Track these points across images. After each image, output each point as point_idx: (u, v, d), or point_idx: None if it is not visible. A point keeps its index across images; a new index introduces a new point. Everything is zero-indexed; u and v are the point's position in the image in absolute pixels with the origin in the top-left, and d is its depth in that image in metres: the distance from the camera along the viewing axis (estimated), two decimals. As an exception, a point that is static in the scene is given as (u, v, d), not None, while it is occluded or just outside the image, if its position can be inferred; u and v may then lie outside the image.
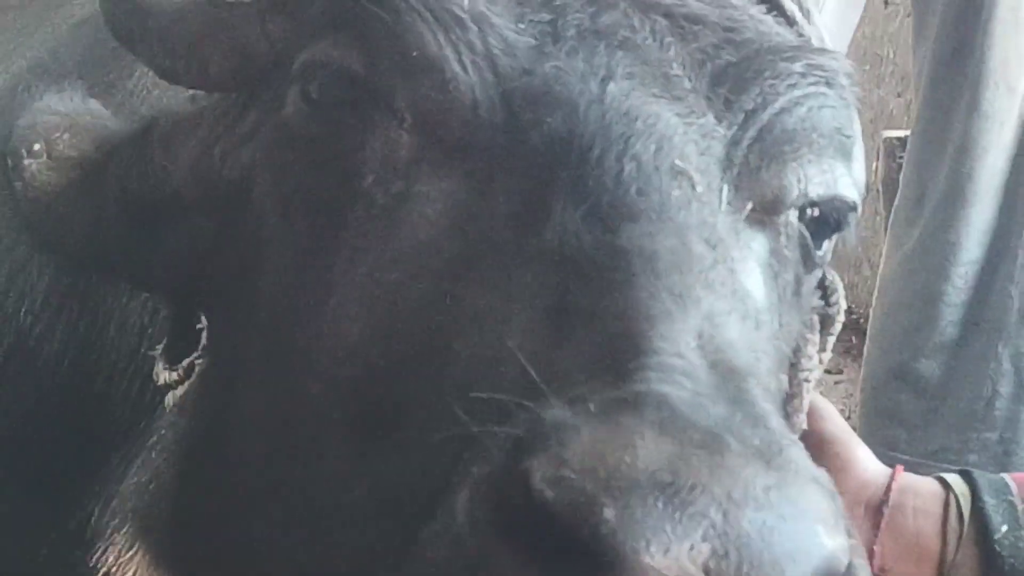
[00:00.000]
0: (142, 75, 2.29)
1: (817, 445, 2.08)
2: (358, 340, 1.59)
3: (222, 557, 1.75)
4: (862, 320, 5.33)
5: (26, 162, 1.96)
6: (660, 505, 1.17)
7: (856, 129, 1.86)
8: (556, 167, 1.55)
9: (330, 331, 1.62)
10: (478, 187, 1.60)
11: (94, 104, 2.05)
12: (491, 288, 1.49)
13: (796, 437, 1.85)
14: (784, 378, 1.89)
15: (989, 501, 2.09)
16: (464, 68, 1.62)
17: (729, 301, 1.52)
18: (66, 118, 2.01)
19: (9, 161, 1.97)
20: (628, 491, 1.17)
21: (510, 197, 1.56)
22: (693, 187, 1.58)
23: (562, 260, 1.47)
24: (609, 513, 1.15)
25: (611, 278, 1.44)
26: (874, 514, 2.14)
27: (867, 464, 2.21)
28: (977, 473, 2.18)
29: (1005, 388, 4.29)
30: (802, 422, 1.95)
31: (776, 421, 1.40)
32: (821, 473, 1.33)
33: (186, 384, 1.88)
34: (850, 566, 1.27)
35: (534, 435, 1.24)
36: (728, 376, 1.39)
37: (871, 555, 2.11)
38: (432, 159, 1.63)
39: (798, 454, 1.32)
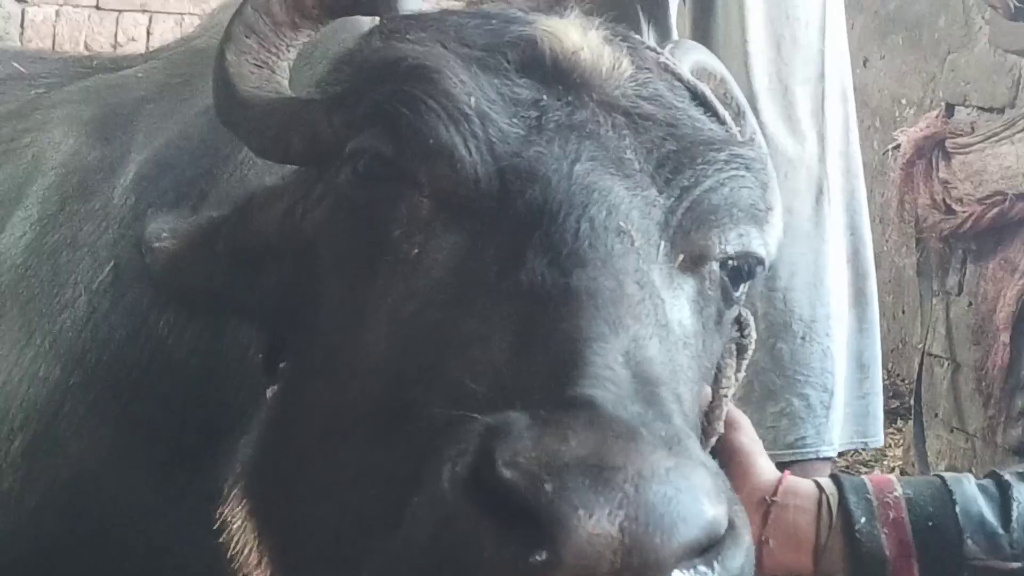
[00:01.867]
0: (244, 158, 2.58)
1: (728, 452, 2.41)
2: (384, 356, 1.83)
3: (287, 511, 1.98)
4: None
5: (156, 245, 2.29)
6: (587, 482, 1.37)
7: (770, 201, 2.14)
8: (533, 226, 1.80)
9: (364, 349, 1.86)
10: (476, 240, 1.85)
11: None
12: (479, 318, 1.73)
13: (713, 438, 2.25)
14: (708, 388, 2.19)
15: (852, 499, 2.35)
16: (469, 152, 1.88)
17: (652, 328, 1.76)
18: (189, 219, 2.34)
19: (143, 247, 2.30)
20: (563, 472, 1.37)
21: (498, 248, 1.81)
22: (632, 243, 1.83)
23: (531, 297, 1.71)
24: (548, 487, 1.36)
25: (563, 311, 1.68)
26: (764, 512, 2.37)
27: (762, 471, 2.44)
28: (844, 477, 2.43)
29: None
30: (721, 427, 2.28)
31: (679, 419, 1.62)
32: (708, 459, 1.56)
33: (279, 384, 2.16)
34: (731, 525, 1.48)
35: (500, 429, 1.45)
36: (645, 383, 1.62)
37: (760, 544, 2.32)
38: (444, 218, 1.89)
39: (693, 444, 1.54)
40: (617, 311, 1.70)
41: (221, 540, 2.08)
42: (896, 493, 2.39)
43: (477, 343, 1.69)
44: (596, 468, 1.38)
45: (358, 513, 1.74)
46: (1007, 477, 2.44)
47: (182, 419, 2.43)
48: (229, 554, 2.07)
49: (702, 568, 1.43)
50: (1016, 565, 2.33)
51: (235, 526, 2.07)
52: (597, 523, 1.35)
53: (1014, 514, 2.37)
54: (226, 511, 2.11)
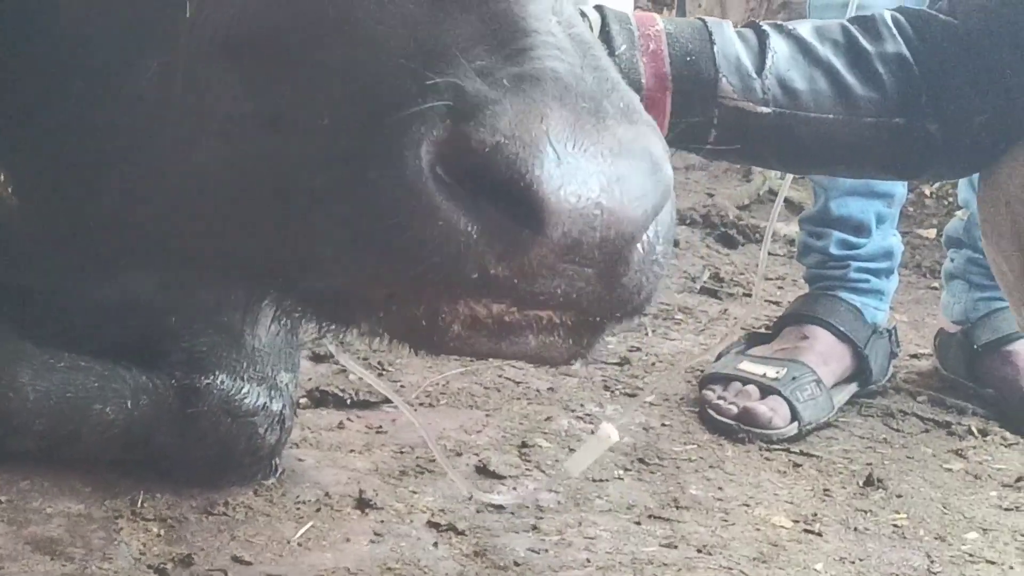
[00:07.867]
0: None
1: None
2: None
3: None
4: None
5: None
6: (569, 160, 1.35)
7: None
8: None
9: None
10: None
11: None
12: None
13: None
14: None
15: (614, 27, 2.36)
16: None
17: None
18: None
19: None
20: (546, 152, 1.34)
21: None
22: None
23: None
24: (537, 170, 1.33)
25: None
26: None
27: None
28: (607, 8, 2.41)
29: None
30: None
31: (621, 81, 1.52)
32: (650, 119, 1.50)
33: None
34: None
35: (464, 104, 1.36)
36: (583, 47, 1.50)
37: None
38: None
39: (639, 107, 1.49)
40: None
41: None
42: (658, 27, 2.41)
43: None
44: (575, 147, 1.37)
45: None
46: (765, 27, 2.50)
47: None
48: None
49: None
50: (766, 110, 2.41)
51: None
52: (579, 200, 1.35)
53: (768, 62, 2.43)
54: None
